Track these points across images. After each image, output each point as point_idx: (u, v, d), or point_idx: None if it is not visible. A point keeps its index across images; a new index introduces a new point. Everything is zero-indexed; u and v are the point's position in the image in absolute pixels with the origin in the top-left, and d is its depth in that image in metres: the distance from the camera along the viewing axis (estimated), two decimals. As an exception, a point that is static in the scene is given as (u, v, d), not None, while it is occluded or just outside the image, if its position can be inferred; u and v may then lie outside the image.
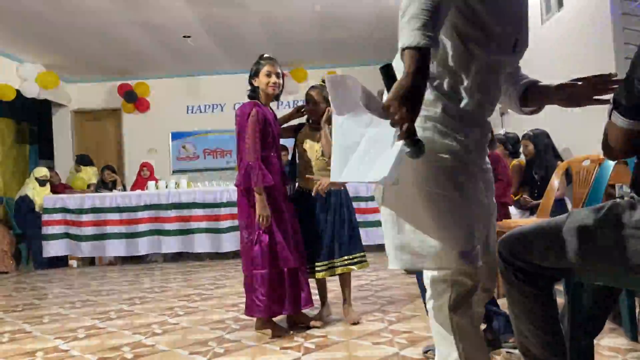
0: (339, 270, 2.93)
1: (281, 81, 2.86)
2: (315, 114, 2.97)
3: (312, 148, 2.98)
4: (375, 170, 1.20)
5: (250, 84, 2.87)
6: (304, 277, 2.85)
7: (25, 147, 9.35)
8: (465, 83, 1.38)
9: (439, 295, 1.45)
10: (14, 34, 6.47)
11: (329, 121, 2.77)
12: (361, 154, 1.28)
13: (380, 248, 5.22)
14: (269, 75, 2.81)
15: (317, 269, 2.92)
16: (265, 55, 2.90)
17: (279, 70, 2.85)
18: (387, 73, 1.18)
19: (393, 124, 1.14)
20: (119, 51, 7.36)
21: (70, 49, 7.16)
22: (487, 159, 1.56)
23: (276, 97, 2.91)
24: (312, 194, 2.86)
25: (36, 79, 7.40)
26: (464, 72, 1.37)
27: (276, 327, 2.78)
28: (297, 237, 2.85)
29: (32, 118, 9.33)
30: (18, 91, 7.22)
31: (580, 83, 1.49)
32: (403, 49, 1.19)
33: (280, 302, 2.76)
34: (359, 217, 5.59)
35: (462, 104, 1.39)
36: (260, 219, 2.69)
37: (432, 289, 1.46)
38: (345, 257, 2.95)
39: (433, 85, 1.37)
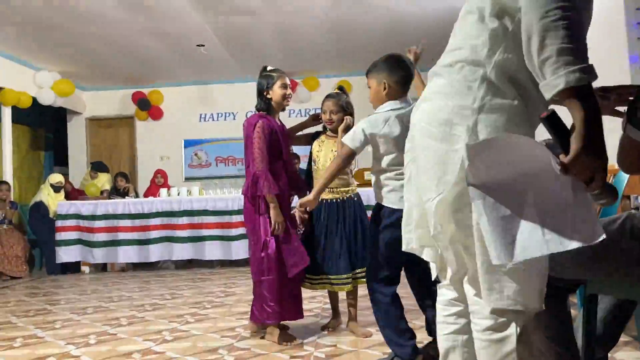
0: (360, 282, 2.88)
1: (291, 92, 2.94)
2: (331, 124, 2.94)
3: (326, 157, 2.96)
4: (577, 233, 1.08)
5: (262, 96, 2.87)
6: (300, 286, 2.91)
7: (40, 153, 9.48)
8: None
9: (504, 325, 1.25)
10: (31, 43, 6.58)
11: (346, 130, 2.72)
12: (534, 223, 1.11)
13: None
14: (284, 87, 2.84)
15: (336, 281, 2.85)
16: (271, 68, 2.92)
17: (289, 82, 2.92)
18: (554, 122, 1.01)
19: (587, 183, 1.03)
20: (133, 59, 7.45)
21: (85, 57, 7.27)
22: None
23: (283, 108, 2.96)
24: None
25: (52, 87, 7.51)
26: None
27: (284, 333, 2.80)
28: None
29: (47, 125, 9.46)
30: (34, 99, 7.34)
31: (600, 93, 1.39)
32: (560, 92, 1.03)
33: (289, 308, 2.78)
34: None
35: None
36: (275, 226, 2.71)
37: (493, 319, 1.26)
38: (362, 269, 2.87)
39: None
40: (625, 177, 2.80)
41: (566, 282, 1.44)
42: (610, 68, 3.93)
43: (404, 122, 2.23)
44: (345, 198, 2.95)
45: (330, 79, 8.63)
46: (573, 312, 1.49)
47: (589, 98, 1.01)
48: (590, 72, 1.02)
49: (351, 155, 2.34)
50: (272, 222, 2.71)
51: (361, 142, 2.30)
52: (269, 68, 2.93)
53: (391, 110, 2.34)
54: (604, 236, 1.07)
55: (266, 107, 2.86)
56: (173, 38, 6.60)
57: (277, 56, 7.50)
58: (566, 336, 1.47)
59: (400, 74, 2.34)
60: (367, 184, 6.42)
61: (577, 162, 1.00)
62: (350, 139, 2.32)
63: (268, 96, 2.86)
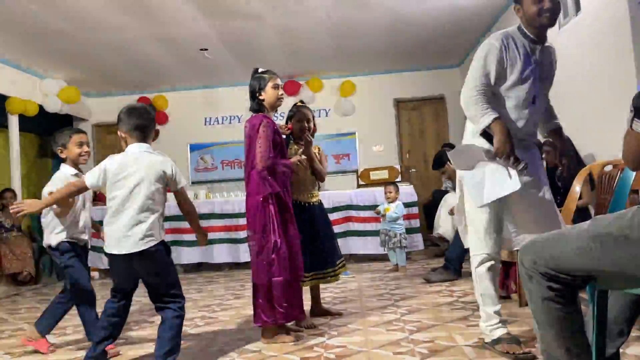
0: (334, 279, 3.30)
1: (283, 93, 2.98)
2: (304, 132, 3.19)
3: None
4: (507, 185, 2.28)
5: (254, 97, 2.91)
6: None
7: (47, 161, 9.52)
8: None
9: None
10: (37, 51, 6.63)
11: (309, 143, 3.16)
12: (489, 183, 2.34)
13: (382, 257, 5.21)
14: (276, 88, 2.89)
15: (318, 276, 3.21)
16: (262, 70, 2.96)
17: (281, 83, 2.95)
18: (487, 134, 2.32)
19: (506, 159, 2.25)
20: (137, 65, 7.49)
21: (90, 64, 7.31)
22: None
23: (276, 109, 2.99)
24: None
25: (58, 94, 7.56)
26: None
27: (288, 332, 2.87)
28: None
29: (54, 133, 9.50)
30: (41, 106, 7.39)
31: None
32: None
33: (296, 308, 2.86)
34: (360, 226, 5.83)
35: None
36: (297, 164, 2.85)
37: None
38: (338, 264, 3.34)
39: None
40: (632, 172, 2.79)
41: (576, 278, 1.44)
42: (614, 63, 3.91)
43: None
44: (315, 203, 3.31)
45: (333, 79, 8.64)
46: (583, 308, 1.48)
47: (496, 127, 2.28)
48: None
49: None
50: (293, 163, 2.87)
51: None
52: (260, 70, 2.96)
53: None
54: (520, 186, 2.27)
55: (259, 108, 2.89)
56: (177, 43, 6.62)
57: (281, 58, 7.52)
58: (576, 332, 1.46)
59: (133, 123, 2.55)
60: (372, 183, 6.45)
61: (501, 151, 2.25)
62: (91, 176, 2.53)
63: (261, 97, 2.88)
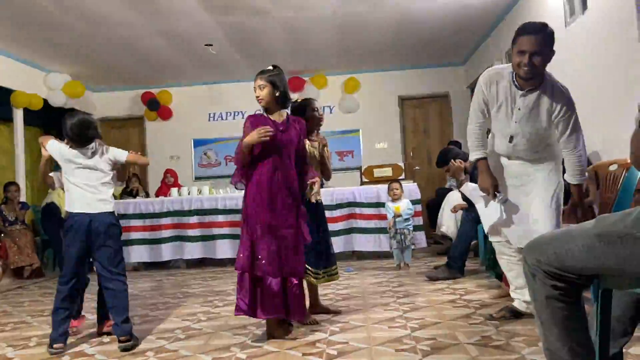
0: (336, 277, 3.34)
1: (263, 92, 2.88)
2: (321, 120, 3.28)
3: (313, 159, 3.19)
4: (492, 217, 2.86)
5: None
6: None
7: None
8: None
9: None
10: (42, 45, 6.64)
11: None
12: (483, 215, 2.94)
13: (388, 255, 5.20)
14: (254, 90, 2.92)
15: (319, 275, 3.21)
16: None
17: (260, 83, 2.88)
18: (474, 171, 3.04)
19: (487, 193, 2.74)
20: (142, 60, 7.49)
21: (95, 59, 7.32)
22: None
23: (284, 105, 2.94)
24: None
25: (63, 89, 7.58)
26: None
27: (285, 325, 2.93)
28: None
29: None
30: (45, 100, 7.41)
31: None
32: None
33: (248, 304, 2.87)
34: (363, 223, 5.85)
35: None
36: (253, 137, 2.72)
37: None
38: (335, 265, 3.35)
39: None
40: (637, 172, 2.78)
41: (580, 277, 1.43)
42: (621, 61, 3.89)
43: None
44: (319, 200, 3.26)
45: (338, 76, 8.63)
46: (587, 307, 1.48)
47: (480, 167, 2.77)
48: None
49: None
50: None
51: None
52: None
53: None
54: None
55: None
56: (182, 38, 6.62)
57: (286, 54, 7.51)
58: (580, 331, 1.46)
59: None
60: (376, 181, 6.43)
61: (480, 186, 2.76)
62: None
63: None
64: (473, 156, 2.78)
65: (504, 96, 2.59)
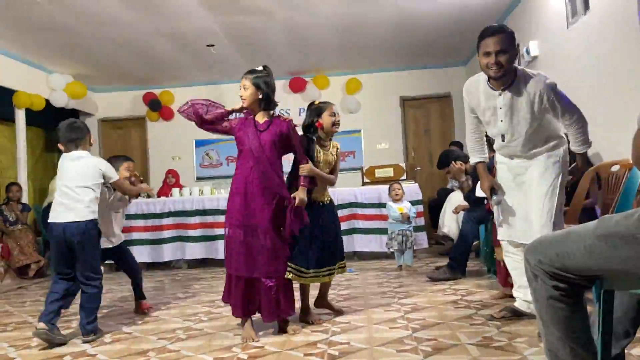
0: (333, 276, 3.24)
1: (246, 93, 2.97)
2: (336, 126, 3.22)
3: (326, 163, 3.19)
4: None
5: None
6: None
7: (54, 155, 9.55)
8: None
9: None
10: (44, 46, 6.65)
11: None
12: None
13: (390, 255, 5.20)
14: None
15: (324, 273, 3.13)
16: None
17: (245, 83, 2.97)
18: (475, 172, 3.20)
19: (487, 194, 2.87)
20: (144, 61, 7.50)
21: (97, 59, 7.33)
22: None
23: (267, 107, 2.99)
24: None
25: (65, 89, 7.59)
26: None
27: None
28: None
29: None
30: (47, 101, 7.42)
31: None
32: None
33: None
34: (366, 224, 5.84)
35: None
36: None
37: None
38: (340, 262, 3.26)
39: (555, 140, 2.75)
40: (639, 172, 2.77)
41: (582, 278, 1.43)
42: (624, 61, 3.89)
43: None
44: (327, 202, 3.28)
45: (339, 77, 8.62)
46: (589, 308, 1.47)
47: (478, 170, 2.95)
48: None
49: None
50: None
51: None
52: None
53: None
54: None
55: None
56: (183, 39, 6.63)
57: (287, 55, 7.51)
58: (582, 332, 1.45)
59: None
60: (377, 181, 6.43)
61: (481, 188, 2.95)
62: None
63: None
64: (472, 160, 3.01)
65: (484, 100, 2.73)
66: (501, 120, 2.69)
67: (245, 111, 3.06)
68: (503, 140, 2.74)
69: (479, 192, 3.18)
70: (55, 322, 2.96)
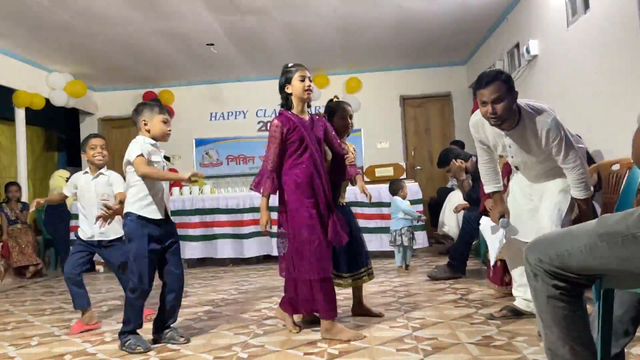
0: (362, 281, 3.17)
1: (312, 84, 2.90)
2: (348, 129, 3.23)
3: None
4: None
5: (282, 92, 2.89)
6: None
7: (53, 154, 9.58)
8: None
9: None
10: (44, 45, 6.65)
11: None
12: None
13: (389, 255, 5.19)
14: (302, 80, 2.84)
15: (356, 277, 3.11)
16: (291, 64, 2.94)
17: (309, 74, 2.89)
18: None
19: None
20: (144, 60, 7.50)
21: (97, 58, 7.33)
22: None
23: (308, 104, 2.92)
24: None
25: (65, 88, 7.59)
26: None
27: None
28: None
29: (60, 126, 9.55)
30: (47, 100, 7.42)
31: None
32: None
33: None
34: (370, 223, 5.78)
35: None
36: (262, 227, 2.81)
37: None
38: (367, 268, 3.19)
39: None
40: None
41: (581, 277, 1.43)
42: (624, 61, 3.89)
43: None
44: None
45: (339, 76, 8.62)
46: (588, 307, 1.47)
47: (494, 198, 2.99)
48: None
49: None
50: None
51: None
52: (290, 64, 2.94)
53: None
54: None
55: (286, 102, 2.88)
56: (183, 38, 6.63)
57: (287, 54, 7.50)
58: (581, 331, 1.45)
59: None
60: (378, 180, 6.43)
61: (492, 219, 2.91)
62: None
63: (288, 91, 2.87)
64: (487, 190, 2.95)
65: (492, 137, 2.72)
66: (512, 157, 2.71)
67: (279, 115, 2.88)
68: (518, 169, 2.81)
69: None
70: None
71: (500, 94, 2.47)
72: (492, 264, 3.28)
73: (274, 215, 2.89)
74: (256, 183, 2.83)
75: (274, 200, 2.87)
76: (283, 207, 2.85)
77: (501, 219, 2.81)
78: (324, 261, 2.73)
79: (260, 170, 2.86)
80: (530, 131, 2.55)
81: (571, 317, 1.44)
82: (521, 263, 2.87)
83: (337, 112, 3.19)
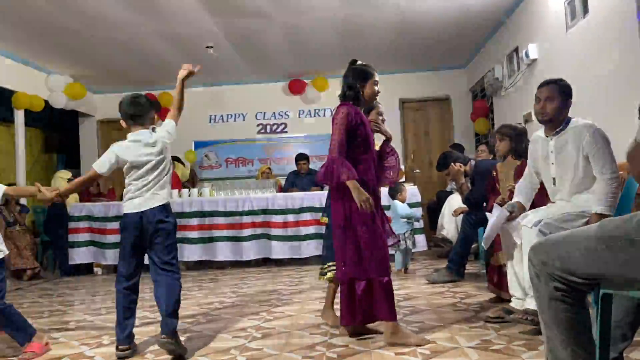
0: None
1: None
2: (381, 124, 3.23)
3: None
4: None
5: (354, 85, 2.86)
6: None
7: (52, 156, 9.58)
8: None
9: None
10: (43, 47, 6.65)
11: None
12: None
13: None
14: (376, 84, 2.91)
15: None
16: (364, 63, 2.97)
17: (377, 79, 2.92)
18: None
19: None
20: (143, 62, 7.50)
21: (96, 60, 7.33)
22: None
23: (357, 103, 2.91)
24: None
25: (64, 90, 7.59)
26: None
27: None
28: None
29: (59, 128, 9.56)
30: (46, 102, 7.42)
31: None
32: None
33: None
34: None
35: None
36: (361, 206, 2.56)
37: None
38: None
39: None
40: (639, 175, 2.77)
41: (583, 281, 1.43)
42: (622, 65, 3.90)
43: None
44: None
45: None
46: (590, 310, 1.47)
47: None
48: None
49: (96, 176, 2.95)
50: (357, 202, 2.57)
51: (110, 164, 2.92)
52: (364, 64, 2.97)
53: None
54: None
55: (355, 98, 2.85)
56: (183, 40, 6.63)
57: (286, 57, 7.52)
58: (583, 333, 1.46)
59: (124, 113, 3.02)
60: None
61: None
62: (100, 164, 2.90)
63: (359, 87, 2.87)
64: (515, 199, 3.05)
65: (541, 148, 2.90)
66: (552, 163, 2.82)
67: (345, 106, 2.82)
68: (554, 184, 2.84)
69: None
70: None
71: (553, 95, 2.76)
72: (484, 245, 3.10)
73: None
74: (325, 174, 2.62)
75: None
76: (340, 204, 2.68)
77: (509, 202, 3.00)
78: (385, 261, 2.68)
79: (326, 160, 2.66)
80: (572, 137, 2.70)
81: (572, 319, 1.44)
82: (512, 258, 2.93)
83: (374, 108, 3.20)
